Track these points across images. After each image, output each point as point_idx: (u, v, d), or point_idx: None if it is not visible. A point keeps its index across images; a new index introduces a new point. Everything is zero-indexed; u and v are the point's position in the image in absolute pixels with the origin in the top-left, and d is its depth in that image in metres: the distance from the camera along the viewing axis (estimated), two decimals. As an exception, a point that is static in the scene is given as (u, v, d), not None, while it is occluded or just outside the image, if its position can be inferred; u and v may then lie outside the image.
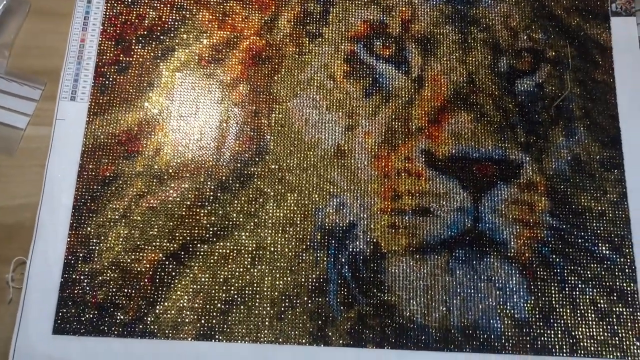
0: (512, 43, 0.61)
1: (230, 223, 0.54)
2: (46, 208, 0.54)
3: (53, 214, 0.54)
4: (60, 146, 0.56)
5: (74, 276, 0.52)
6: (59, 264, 0.52)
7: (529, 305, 0.53)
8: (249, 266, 0.53)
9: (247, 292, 0.52)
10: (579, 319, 0.53)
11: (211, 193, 0.55)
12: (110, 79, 0.58)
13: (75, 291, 0.52)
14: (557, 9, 0.63)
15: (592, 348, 0.52)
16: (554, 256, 0.54)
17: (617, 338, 0.52)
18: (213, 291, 0.52)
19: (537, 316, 0.53)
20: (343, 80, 0.59)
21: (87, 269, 0.52)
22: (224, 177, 0.55)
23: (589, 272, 0.54)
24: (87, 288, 0.52)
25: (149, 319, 0.51)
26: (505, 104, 0.58)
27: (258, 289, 0.52)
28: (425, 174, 0.56)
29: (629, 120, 0.59)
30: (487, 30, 0.61)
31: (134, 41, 0.59)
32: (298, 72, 0.59)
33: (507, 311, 0.53)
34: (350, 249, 0.54)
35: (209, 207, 0.54)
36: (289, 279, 0.53)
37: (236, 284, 0.52)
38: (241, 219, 0.54)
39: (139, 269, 0.52)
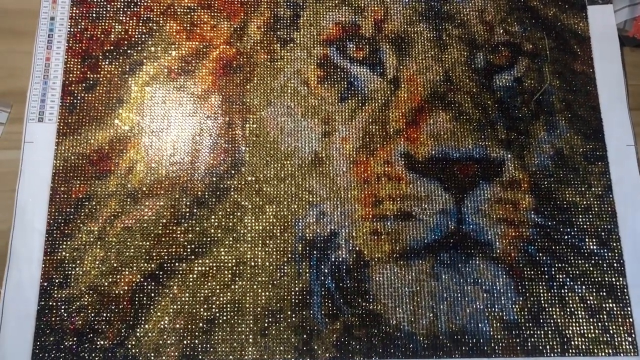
0: (488, 38, 0.60)
1: (208, 239, 0.53)
2: (18, 234, 0.52)
3: (26, 240, 0.52)
4: (30, 169, 0.54)
5: (50, 303, 0.51)
6: (35, 291, 0.51)
7: (517, 306, 0.52)
8: (229, 283, 0.52)
9: (229, 309, 0.51)
10: (569, 317, 0.52)
11: (187, 209, 0.53)
12: (79, 98, 0.56)
13: (53, 318, 0.50)
14: (533, 1, 0.61)
15: (584, 346, 0.51)
16: (540, 254, 0.53)
17: (608, 335, 0.51)
18: (194, 310, 0.51)
19: (526, 317, 0.52)
20: (317, 86, 0.57)
21: (63, 295, 0.51)
22: (199, 192, 0.54)
23: (577, 269, 0.53)
24: (65, 315, 0.50)
25: (129, 342, 0.50)
26: (484, 101, 0.57)
27: (240, 305, 0.51)
28: (405, 178, 0.54)
29: (610, 111, 0.58)
30: (462, 26, 0.60)
31: (100, 57, 0.57)
32: (271, 79, 0.57)
33: (496, 314, 0.51)
34: (333, 259, 0.52)
35: (186, 224, 0.53)
36: (271, 293, 0.52)
37: (217, 302, 0.51)
38: (219, 235, 0.53)
39: (117, 291, 0.51)
